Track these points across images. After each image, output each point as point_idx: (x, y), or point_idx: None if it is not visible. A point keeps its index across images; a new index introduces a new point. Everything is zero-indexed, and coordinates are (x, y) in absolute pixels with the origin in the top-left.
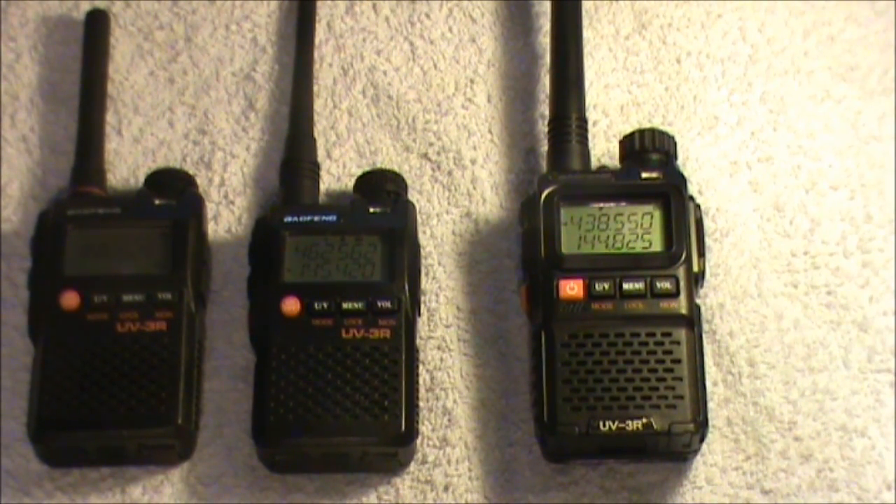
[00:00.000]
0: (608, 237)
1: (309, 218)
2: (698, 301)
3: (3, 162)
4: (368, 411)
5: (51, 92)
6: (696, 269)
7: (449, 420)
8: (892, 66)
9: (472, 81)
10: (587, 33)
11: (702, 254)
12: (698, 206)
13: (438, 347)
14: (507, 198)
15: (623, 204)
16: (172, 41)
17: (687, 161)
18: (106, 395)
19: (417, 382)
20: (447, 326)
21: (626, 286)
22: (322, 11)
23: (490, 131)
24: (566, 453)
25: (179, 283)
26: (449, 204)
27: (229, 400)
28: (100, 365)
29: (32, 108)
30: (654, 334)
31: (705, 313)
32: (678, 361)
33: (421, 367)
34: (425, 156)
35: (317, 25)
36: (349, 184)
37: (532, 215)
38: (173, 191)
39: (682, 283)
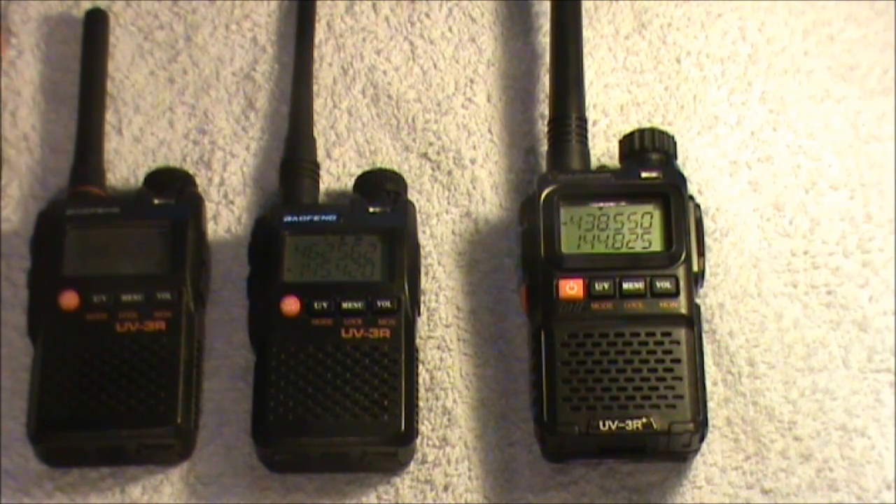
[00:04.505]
0: (608, 237)
1: (309, 218)
2: (698, 301)
3: (3, 161)
4: (368, 411)
5: (51, 91)
6: (695, 268)
7: (449, 420)
8: (892, 66)
9: (471, 81)
10: (587, 33)
11: (701, 253)
12: (698, 206)
13: (438, 347)
14: (506, 197)
15: (623, 204)
16: (172, 41)
17: (687, 161)
18: (105, 395)
19: (417, 382)
20: (447, 326)
21: (625, 286)
22: (322, 11)
23: (490, 131)
24: (566, 453)
25: (178, 283)
26: (449, 203)
27: (229, 400)
28: (99, 365)
29: (33, 107)
30: (653, 334)
31: (705, 313)
32: (678, 361)
33: (421, 367)
34: (425, 155)
35: (317, 25)
36: (349, 184)
37: (532, 215)
38: (173, 190)
39: (681, 283)
